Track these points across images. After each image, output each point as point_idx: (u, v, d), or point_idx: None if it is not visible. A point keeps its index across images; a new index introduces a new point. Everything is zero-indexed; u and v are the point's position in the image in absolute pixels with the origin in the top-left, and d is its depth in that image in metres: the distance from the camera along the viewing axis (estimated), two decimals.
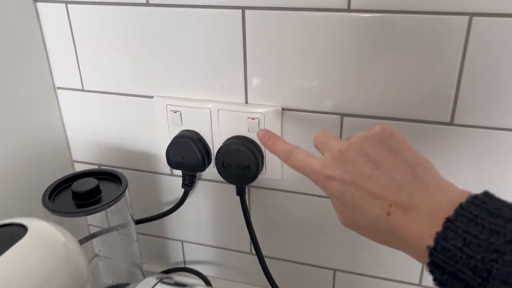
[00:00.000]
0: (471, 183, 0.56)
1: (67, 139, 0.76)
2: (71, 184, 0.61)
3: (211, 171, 0.68)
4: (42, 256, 0.47)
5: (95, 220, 0.67)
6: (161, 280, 0.43)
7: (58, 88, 0.72)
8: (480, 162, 0.55)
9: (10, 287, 0.43)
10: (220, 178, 0.64)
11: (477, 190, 0.33)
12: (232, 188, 0.67)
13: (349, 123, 0.59)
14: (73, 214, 0.58)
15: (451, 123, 0.55)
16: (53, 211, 0.57)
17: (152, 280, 0.43)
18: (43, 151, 0.72)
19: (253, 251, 0.73)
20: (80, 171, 0.64)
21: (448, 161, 0.57)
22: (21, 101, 0.67)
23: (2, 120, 0.63)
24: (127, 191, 0.62)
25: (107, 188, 0.62)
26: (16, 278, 0.44)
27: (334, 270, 0.70)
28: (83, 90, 0.70)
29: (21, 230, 0.48)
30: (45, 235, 0.48)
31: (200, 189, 0.71)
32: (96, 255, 0.72)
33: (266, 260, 0.68)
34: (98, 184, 0.60)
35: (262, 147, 0.63)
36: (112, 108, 0.70)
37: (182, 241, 0.78)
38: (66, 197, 0.60)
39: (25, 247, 0.46)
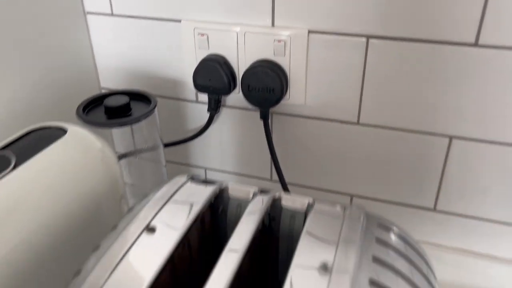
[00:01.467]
0: (494, 107, 0.58)
1: (95, 65, 0.78)
2: (103, 102, 0.63)
3: (236, 97, 0.70)
4: (79, 156, 0.50)
5: (122, 143, 0.70)
6: (191, 178, 0.46)
7: (88, 13, 0.73)
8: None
9: (46, 180, 0.46)
10: (244, 104, 0.66)
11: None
12: (255, 115, 0.69)
13: (375, 45, 0.60)
14: (105, 125, 0.61)
15: (475, 45, 0.55)
16: (86, 121, 0.60)
17: (181, 179, 0.46)
18: (72, 77, 0.74)
19: (274, 178, 0.76)
20: (111, 91, 0.67)
21: (472, 85, 0.58)
22: (52, 26, 0.69)
23: (32, 46, 0.66)
24: (156, 110, 0.65)
25: (137, 107, 0.64)
26: (52, 173, 0.47)
27: (352, 195, 0.72)
28: (112, 15, 0.72)
29: (61, 132, 0.51)
30: (83, 138, 0.51)
31: (224, 115, 0.73)
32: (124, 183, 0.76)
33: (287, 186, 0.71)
34: (129, 102, 0.62)
35: (287, 71, 0.65)
36: (140, 33, 0.71)
37: (205, 168, 0.81)
38: (98, 112, 0.63)
39: (63, 146, 0.49)
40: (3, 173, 0.43)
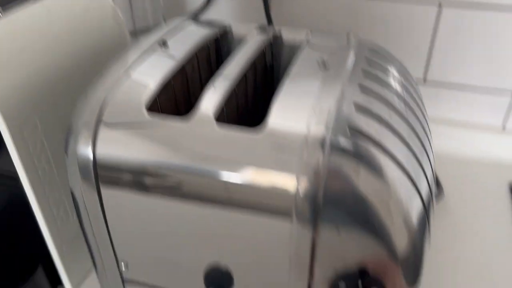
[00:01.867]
0: None
1: None
2: None
3: None
4: (93, 7, 0.52)
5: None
6: (192, 19, 0.48)
7: None
8: None
9: (61, 18, 0.48)
10: None
11: None
12: None
13: None
14: None
15: None
16: None
17: (183, 18, 0.49)
18: None
19: None
20: None
21: None
22: None
23: None
24: None
25: None
26: (69, 13, 0.48)
27: None
28: None
29: None
30: None
31: None
32: None
33: None
34: None
35: None
36: None
37: None
38: None
39: None
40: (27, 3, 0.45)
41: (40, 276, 0.47)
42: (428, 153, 0.40)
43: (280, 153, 0.31)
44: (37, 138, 0.41)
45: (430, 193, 0.37)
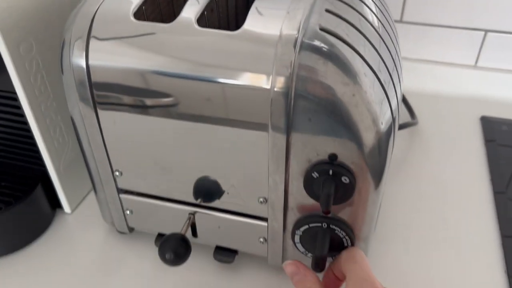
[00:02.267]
0: None
1: None
2: None
3: None
4: None
5: None
6: None
7: None
8: None
9: None
10: None
11: None
12: None
13: None
14: None
15: None
16: None
17: None
18: None
19: None
20: None
21: None
22: None
23: None
24: None
25: None
26: None
27: None
28: None
29: None
30: None
31: None
32: None
33: None
34: None
35: None
36: None
37: None
38: None
39: None
40: None
41: (39, 194, 0.51)
42: (398, 70, 0.44)
43: (256, 52, 0.35)
44: (33, 58, 0.44)
45: (397, 108, 0.41)
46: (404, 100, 0.68)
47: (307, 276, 0.38)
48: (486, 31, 0.72)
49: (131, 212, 0.48)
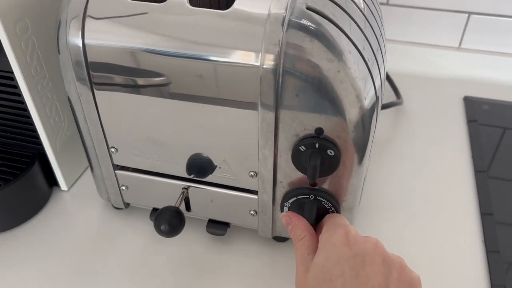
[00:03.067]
0: None
1: None
2: None
3: None
4: None
5: None
6: None
7: None
8: None
9: None
10: None
11: None
12: None
13: None
14: None
15: None
16: None
17: None
18: None
19: None
20: None
21: None
22: None
23: None
24: None
25: None
26: None
27: None
28: None
29: None
30: None
31: None
32: None
33: None
34: None
35: None
36: None
37: None
38: None
39: None
40: None
41: (36, 171, 0.52)
42: (382, 50, 0.46)
43: (246, 30, 0.36)
44: (29, 38, 0.45)
45: (381, 87, 0.43)
46: (390, 80, 0.70)
47: (299, 225, 0.41)
48: (470, 13, 0.74)
49: (127, 187, 0.49)
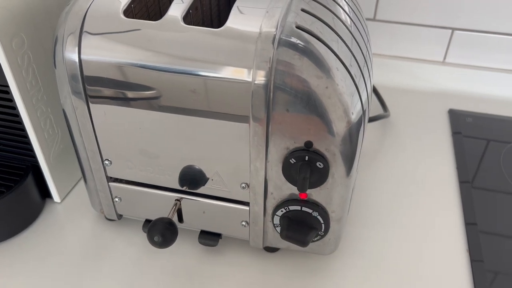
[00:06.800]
0: None
1: None
2: None
3: None
4: None
5: None
6: None
7: None
8: None
9: None
10: None
11: None
12: None
13: None
14: None
15: None
16: None
17: None
18: None
19: None
20: None
21: None
22: None
23: None
24: None
25: None
26: None
27: None
28: None
29: None
30: None
31: None
32: None
33: None
34: None
35: None
36: None
37: None
38: None
39: None
40: None
41: (30, 183, 0.53)
42: (368, 66, 0.47)
43: (238, 48, 0.38)
44: (24, 53, 0.46)
45: (368, 101, 0.44)
46: (377, 93, 0.72)
47: None
48: (453, 29, 0.77)
49: (120, 199, 0.50)
